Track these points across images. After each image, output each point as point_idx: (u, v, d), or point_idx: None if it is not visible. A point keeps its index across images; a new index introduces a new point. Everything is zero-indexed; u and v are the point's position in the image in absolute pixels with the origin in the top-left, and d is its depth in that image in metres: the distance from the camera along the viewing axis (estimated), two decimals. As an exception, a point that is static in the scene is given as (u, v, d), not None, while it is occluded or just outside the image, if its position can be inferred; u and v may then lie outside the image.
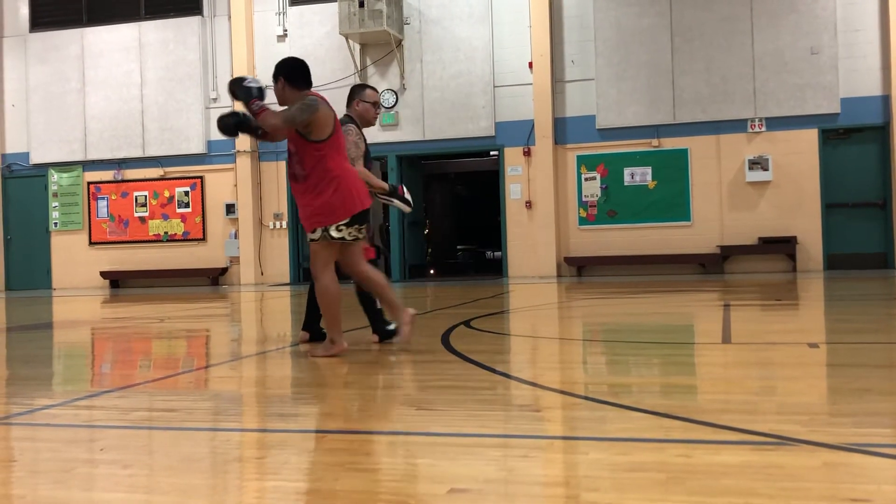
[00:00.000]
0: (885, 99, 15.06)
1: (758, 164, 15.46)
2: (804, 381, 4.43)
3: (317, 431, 3.56)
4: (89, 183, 18.96)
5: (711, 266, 15.67)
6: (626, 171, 16.22)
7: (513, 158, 16.87)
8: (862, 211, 15.23)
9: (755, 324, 7.61)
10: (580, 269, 16.41)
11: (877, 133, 15.25)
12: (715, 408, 3.78)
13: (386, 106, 17.34)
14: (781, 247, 15.32)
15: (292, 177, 5.83)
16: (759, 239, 15.42)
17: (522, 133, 16.72)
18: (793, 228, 15.37)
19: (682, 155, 15.92)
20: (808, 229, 15.33)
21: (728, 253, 15.59)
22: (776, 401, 4.00)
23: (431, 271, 19.69)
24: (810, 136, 15.33)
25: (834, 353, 5.47)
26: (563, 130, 16.66)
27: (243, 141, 17.91)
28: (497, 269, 17.92)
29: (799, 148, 15.36)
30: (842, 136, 15.39)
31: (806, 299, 10.20)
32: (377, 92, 6.44)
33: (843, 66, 15.23)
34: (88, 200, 18.96)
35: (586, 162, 16.53)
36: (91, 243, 18.95)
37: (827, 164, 15.33)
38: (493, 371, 4.93)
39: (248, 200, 17.90)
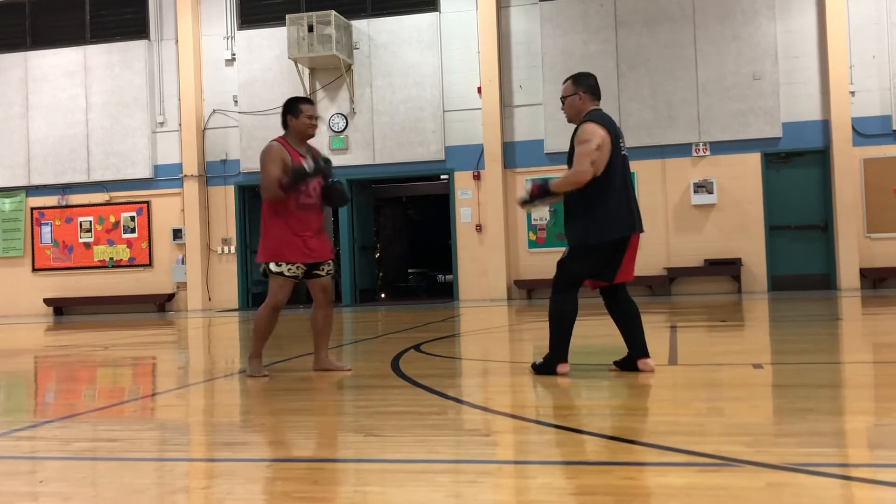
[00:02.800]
0: (825, 123, 15.44)
1: (703, 187, 15.73)
2: (749, 402, 4.49)
3: (264, 460, 3.51)
4: (33, 209, 18.61)
5: (658, 288, 15.86)
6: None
7: (463, 182, 16.94)
8: (804, 233, 15.55)
9: (701, 345, 7.71)
10: (530, 292, 16.50)
11: (817, 157, 15.61)
12: (661, 430, 3.81)
13: (336, 130, 17.32)
14: (726, 268, 15.57)
15: (319, 207, 6.08)
16: (705, 261, 15.66)
17: (472, 157, 16.81)
18: (737, 250, 15.64)
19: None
20: (753, 251, 15.60)
21: (674, 275, 15.80)
22: (721, 422, 4.06)
23: (382, 295, 19.63)
24: (753, 160, 15.64)
25: (778, 374, 5.56)
26: (512, 154, 16.79)
27: (190, 165, 17.74)
28: (448, 292, 17.93)
29: (742, 171, 15.66)
30: (783, 159, 15.73)
31: (751, 320, 10.36)
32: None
33: (784, 91, 15.60)
34: (32, 226, 18.60)
35: (535, 186, 16.60)
36: (34, 269, 18.56)
37: (770, 187, 15.64)
38: (443, 396, 4.93)
39: (195, 225, 17.71)
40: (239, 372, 6.59)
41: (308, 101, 6.33)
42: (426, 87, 17.06)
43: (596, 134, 5.27)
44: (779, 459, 3.13)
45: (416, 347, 7.64)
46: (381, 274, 21.24)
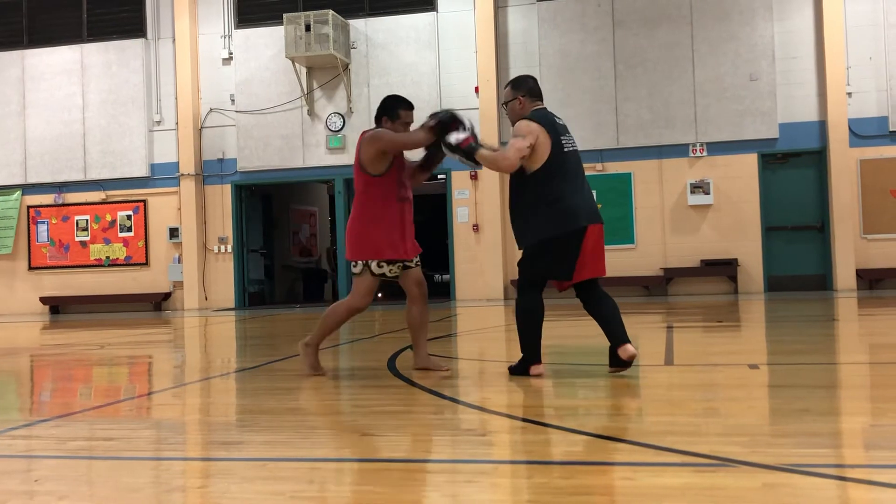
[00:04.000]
0: (822, 124, 15.46)
1: (699, 187, 15.74)
2: (745, 403, 4.49)
3: (260, 459, 3.51)
4: (29, 207, 18.59)
5: (655, 288, 15.87)
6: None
7: (460, 182, 16.95)
8: (800, 234, 15.58)
9: (697, 346, 7.71)
10: (527, 292, 16.48)
11: (814, 157, 15.63)
12: (658, 430, 3.81)
13: (333, 129, 17.32)
14: (723, 269, 15.58)
15: (409, 200, 5.85)
16: (702, 261, 15.67)
17: (469, 157, 16.78)
18: (734, 251, 15.65)
19: (625, 179, 16.14)
20: (749, 252, 15.62)
21: (671, 275, 15.82)
22: (718, 422, 4.06)
23: (379, 294, 19.61)
24: (750, 161, 15.66)
25: (774, 375, 5.56)
26: (509, 154, 16.77)
27: (186, 164, 17.73)
28: (445, 292, 17.93)
29: (739, 172, 15.68)
30: (780, 160, 15.75)
31: (747, 321, 10.37)
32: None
33: (780, 92, 15.62)
34: (28, 224, 18.57)
35: (532, 186, 16.63)
36: (30, 268, 18.54)
37: (766, 187, 15.66)
38: (440, 395, 4.93)
39: (192, 224, 17.69)
40: (241, 368, 6.58)
41: (408, 105, 5.88)
42: (424, 87, 17.06)
43: (531, 130, 5.30)
44: (775, 460, 3.13)
45: (413, 347, 7.62)
46: (377, 273, 21.22)
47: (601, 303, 5.48)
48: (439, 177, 18.04)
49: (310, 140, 17.49)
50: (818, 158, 15.60)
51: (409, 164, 5.91)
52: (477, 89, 16.71)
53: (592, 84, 16.40)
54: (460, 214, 16.92)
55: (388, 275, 5.75)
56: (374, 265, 5.68)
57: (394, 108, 5.79)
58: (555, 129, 5.39)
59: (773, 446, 3.43)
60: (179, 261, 17.80)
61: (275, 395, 5.28)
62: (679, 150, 15.99)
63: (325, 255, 21.12)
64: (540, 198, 5.32)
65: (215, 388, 5.90)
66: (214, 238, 17.85)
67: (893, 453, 3.30)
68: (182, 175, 17.76)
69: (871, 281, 15.03)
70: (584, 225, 5.32)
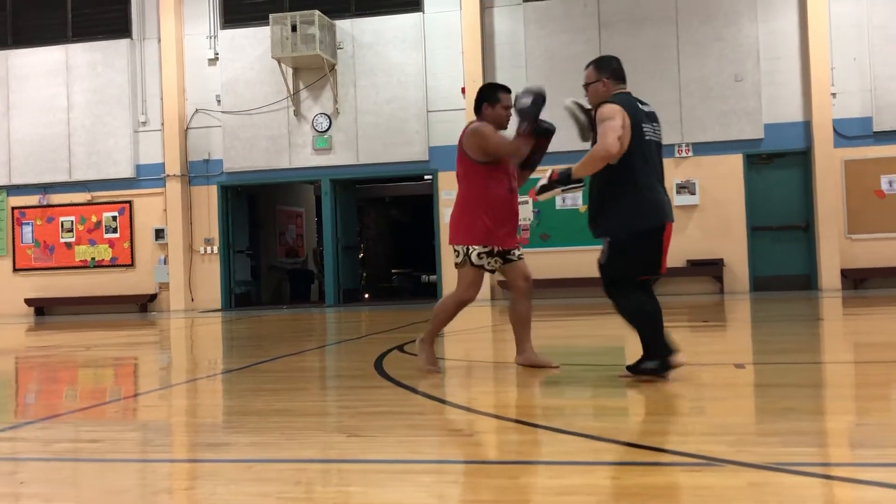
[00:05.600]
0: (806, 125, 15.53)
1: (685, 188, 15.79)
2: (731, 402, 4.51)
3: (247, 461, 3.50)
4: (13, 208, 18.47)
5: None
6: (558, 196, 16.38)
7: (447, 182, 16.93)
8: (786, 234, 15.64)
9: (684, 345, 7.70)
10: (514, 293, 16.49)
11: (798, 158, 15.70)
12: (644, 429, 3.83)
13: (319, 130, 17.29)
14: (709, 269, 15.63)
15: (516, 191, 5.79)
16: (688, 261, 15.71)
17: (455, 158, 16.77)
18: (719, 251, 15.71)
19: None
20: (735, 252, 15.68)
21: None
22: (704, 421, 4.07)
23: (366, 295, 19.61)
24: (735, 161, 15.72)
25: (760, 374, 5.59)
26: (495, 155, 16.78)
27: (172, 164, 17.66)
28: (432, 292, 17.93)
29: (724, 172, 15.74)
30: (765, 160, 15.82)
31: (733, 320, 10.42)
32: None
33: (765, 92, 15.69)
34: (13, 226, 18.46)
35: (519, 186, 16.65)
36: (15, 270, 18.42)
37: (751, 188, 15.72)
38: (426, 396, 4.93)
39: (177, 225, 17.62)
40: (228, 370, 6.57)
41: (506, 89, 5.87)
42: (410, 88, 17.06)
43: (615, 111, 4.97)
44: (760, 459, 3.15)
45: (400, 348, 7.63)
46: (364, 274, 21.21)
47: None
48: (426, 177, 18.05)
49: (296, 140, 17.46)
50: (803, 159, 15.67)
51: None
52: (464, 90, 16.70)
53: (578, 85, 16.37)
54: (447, 215, 16.86)
55: (487, 267, 5.68)
56: (473, 256, 5.62)
57: (493, 93, 5.83)
58: (636, 115, 5.06)
59: (759, 445, 3.45)
60: (165, 262, 17.73)
61: (261, 396, 5.27)
62: (665, 151, 15.95)
63: (312, 255, 21.10)
64: (624, 186, 5.01)
65: (202, 389, 5.89)
66: (200, 239, 17.79)
67: (878, 451, 3.32)
68: (168, 176, 17.69)
69: (856, 280, 15.11)
70: (671, 219, 5.13)
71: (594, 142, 5.08)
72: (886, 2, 15.35)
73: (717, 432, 3.67)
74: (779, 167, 15.74)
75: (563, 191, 5.17)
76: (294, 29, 16.45)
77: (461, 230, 5.68)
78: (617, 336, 8.93)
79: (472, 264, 5.62)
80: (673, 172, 15.96)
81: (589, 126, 5.29)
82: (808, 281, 15.53)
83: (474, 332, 9.73)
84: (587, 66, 5.45)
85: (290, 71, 17.38)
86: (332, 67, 17.23)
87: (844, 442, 3.63)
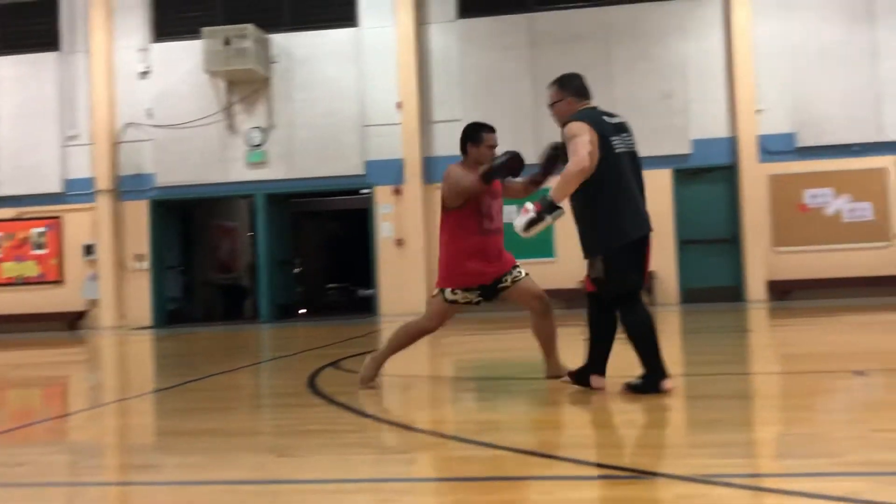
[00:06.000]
0: (733, 141, 15.91)
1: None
2: (661, 414, 4.59)
3: (178, 483, 3.45)
4: (-66, 224, 17.90)
5: (575, 301, 16.06)
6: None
7: (383, 197, 16.94)
8: (714, 247, 15.97)
9: (615, 357, 7.80)
10: (450, 307, 16.54)
11: (725, 173, 16.07)
12: (576, 443, 3.88)
13: (253, 144, 17.15)
14: (641, 282, 15.85)
15: (497, 231, 5.86)
16: (621, 274, 15.94)
17: (392, 172, 16.82)
18: (651, 264, 15.94)
19: (545, 194, 16.31)
20: (665, 265, 15.96)
21: (591, 288, 16.05)
22: (634, 434, 4.14)
23: (301, 311, 19.45)
24: (664, 176, 16.01)
25: (690, 385, 5.70)
26: (432, 169, 16.85)
27: (102, 179, 17.33)
28: (369, 307, 17.87)
29: (654, 187, 15.82)
30: (693, 175, 16.15)
31: (663, 332, 10.53)
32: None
33: (693, 109, 16.03)
34: (-67, 242, 17.88)
35: (454, 200, 16.74)
36: (-64, 288, 17.84)
37: (680, 202, 16.03)
38: (361, 413, 4.91)
39: (107, 241, 17.27)
40: (158, 389, 6.45)
41: (490, 129, 5.91)
42: (346, 102, 17.03)
43: (582, 128, 4.99)
44: (689, 471, 3.21)
45: (335, 364, 7.59)
46: (300, 289, 21.05)
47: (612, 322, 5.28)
48: (362, 191, 18.01)
49: (229, 155, 17.28)
50: (729, 174, 16.04)
51: (514, 185, 5.97)
52: (399, 105, 16.75)
53: (512, 101, 16.58)
54: (384, 229, 16.90)
55: (462, 301, 5.71)
56: (447, 292, 5.71)
57: (476, 133, 5.86)
58: (602, 128, 5.08)
59: (688, 457, 3.51)
60: (95, 279, 17.36)
61: (192, 416, 5.20)
62: (597, 166, 16.23)
63: (246, 271, 20.85)
64: (602, 202, 5.07)
65: (131, 409, 5.78)
66: (131, 255, 17.45)
67: (804, 461, 3.41)
68: (98, 191, 17.34)
69: (781, 292, 15.50)
70: (650, 230, 5.17)
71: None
72: (808, 21, 15.85)
73: (647, 444, 3.74)
74: (706, 182, 16.09)
75: (549, 220, 5.10)
76: (227, 42, 16.30)
77: (440, 274, 5.81)
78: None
79: (445, 299, 5.72)
80: (605, 187, 16.19)
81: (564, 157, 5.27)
82: (736, 292, 15.88)
83: (411, 348, 9.70)
84: (550, 86, 5.47)
85: (223, 85, 17.22)
86: (267, 81, 17.12)
87: (772, 452, 3.72)
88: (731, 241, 15.99)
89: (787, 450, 3.70)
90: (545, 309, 5.84)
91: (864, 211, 15.59)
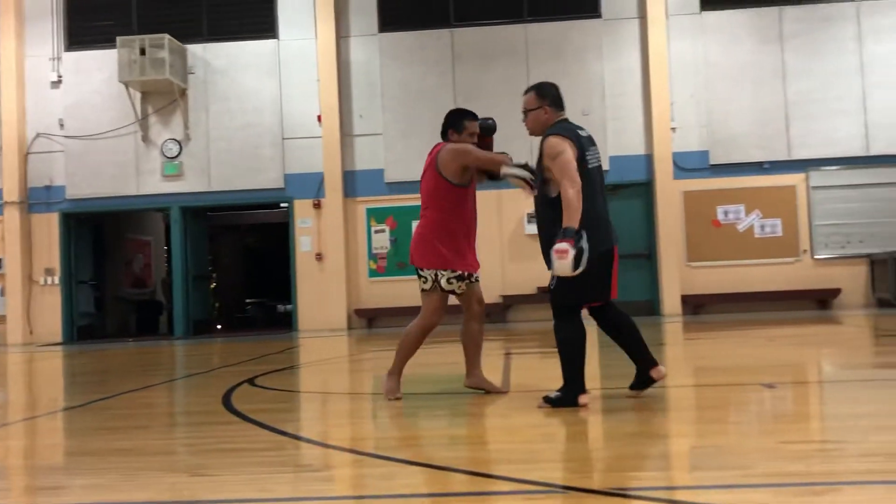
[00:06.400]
0: (648, 157, 16.27)
1: (535, 218, 16.20)
2: (578, 427, 4.63)
3: (83, 505, 3.33)
4: None
5: (495, 315, 16.18)
6: (414, 224, 16.52)
7: (302, 211, 16.79)
8: (630, 261, 16.27)
9: (534, 371, 7.90)
10: (371, 321, 16.47)
11: (641, 189, 16.41)
12: (493, 458, 3.88)
13: (169, 156, 16.82)
14: (560, 296, 16.04)
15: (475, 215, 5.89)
16: (538, 288, 16.10)
17: (312, 185, 16.70)
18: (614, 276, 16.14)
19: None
20: (584, 279, 16.17)
21: (510, 302, 16.19)
22: (551, 448, 4.16)
23: (218, 326, 19.11)
24: (584, 192, 16.24)
25: (605, 399, 5.76)
26: (352, 183, 16.79)
27: (10, 191, 16.77)
28: (288, 322, 17.66)
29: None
30: (610, 191, 16.42)
31: (582, 346, 10.69)
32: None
33: (610, 126, 16.35)
34: None
35: (376, 214, 16.72)
36: None
37: (599, 217, 16.27)
38: (277, 431, 4.83)
39: (16, 255, 16.72)
40: (67, 407, 6.23)
41: (471, 115, 5.89)
42: (265, 114, 16.86)
43: (564, 144, 5.04)
44: (605, 484, 3.24)
45: (251, 381, 7.46)
46: (217, 304, 20.69)
47: (623, 321, 5.40)
48: (281, 205, 17.83)
49: (144, 167, 16.92)
50: (645, 190, 16.38)
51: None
52: (320, 118, 16.65)
53: (433, 116, 16.61)
54: (303, 243, 16.75)
55: (458, 291, 5.68)
56: (443, 281, 5.63)
57: (459, 120, 5.84)
58: (580, 143, 5.13)
59: (605, 470, 3.54)
60: (2, 293, 16.77)
61: (102, 435, 5.04)
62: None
63: (160, 286, 20.40)
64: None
65: (39, 428, 5.57)
66: (41, 269, 16.93)
67: (716, 473, 3.46)
68: (5, 203, 16.78)
69: (695, 306, 15.86)
70: (615, 243, 5.20)
71: (539, 180, 5.17)
72: (720, 42, 16.33)
73: (564, 458, 3.76)
74: (623, 198, 16.39)
75: (584, 244, 4.96)
76: (143, 52, 16.00)
77: (430, 254, 5.67)
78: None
79: (441, 290, 5.65)
80: (524, 202, 16.36)
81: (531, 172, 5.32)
82: (651, 306, 16.19)
83: (331, 363, 9.63)
84: (526, 92, 5.47)
85: (137, 95, 16.87)
86: (183, 92, 16.83)
87: (685, 465, 3.77)
88: (646, 256, 16.31)
89: (700, 462, 3.76)
90: (482, 314, 5.87)
91: (775, 227, 16.08)
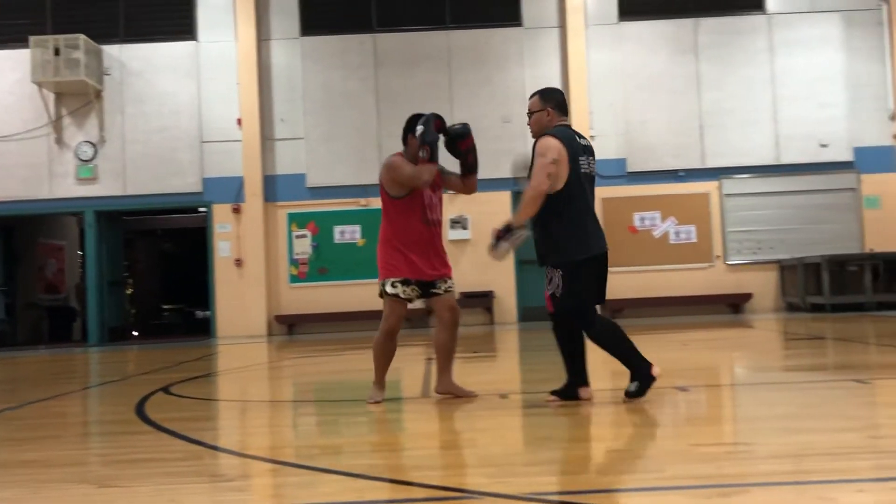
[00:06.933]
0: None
1: (458, 223, 16.31)
2: (494, 433, 4.66)
3: (-15, 521, 3.22)
4: None
5: (417, 321, 16.18)
6: (337, 229, 16.47)
7: (222, 216, 16.54)
8: (530, 269, 16.46)
9: (457, 376, 7.91)
10: (291, 327, 16.31)
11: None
12: (408, 464, 3.88)
13: (83, 159, 16.41)
14: (480, 301, 16.18)
15: (438, 223, 5.89)
16: (461, 294, 16.16)
17: (232, 190, 16.47)
18: (490, 283, 16.30)
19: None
20: (504, 284, 16.32)
21: (432, 307, 16.21)
22: (467, 454, 4.18)
23: (134, 333, 18.69)
24: (504, 198, 16.38)
25: (523, 403, 5.82)
26: (273, 188, 16.62)
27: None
28: (206, 329, 17.37)
29: (494, 209, 16.35)
30: (531, 198, 16.60)
31: (502, 350, 10.81)
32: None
33: (531, 134, 16.49)
34: None
35: (297, 219, 16.58)
36: None
37: (520, 223, 16.42)
38: (191, 440, 4.74)
39: (-81, 259, 16.09)
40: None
41: (424, 122, 5.81)
42: (183, 117, 16.58)
43: (552, 148, 5.14)
44: (519, 489, 3.26)
45: (166, 389, 7.31)
46: (133, 310, 20.25)
47: (578, 333, 5.47)
48: (200, 210, 17.55)
49: (57, 170, 16.46)
50: (566, 196, 16.59)
51: (451, 178, 5.98)
52: (240, 121, 16.44)
53: (356, 120, 16.61)
54: (222, 248, 16.50)
55: (402, 296, 5.69)
56: (387, 286, 5.67)
57: (409, 129, 5.86)
58: (574, 148, 5.22)
59: (518, 475, 3.57)
60: None
61: (9, 446, 4.88)
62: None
63: (74, 291, 19.86)
64: (568, 217, 5.19)
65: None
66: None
67: (628, 477, 3.53)
68: None
69: (613, 311, 16.12)
70: (605, 249, 5.29)
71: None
72: (638, 52, 16.67)
73: (480, 464, 3.78)
74: (544, 204, 16.56)
75: (513, 242, 5.25)
76: (57, 52, 15.59)
77: (379, 265, 5.79)
78: (392, 369, 9.00)
79: (386, 294, 5.71)
80: (448, 208, 16.36)
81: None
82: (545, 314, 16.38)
83: (250, 370, 9.50)
84: (532, 96, 5.56)
85: (51, 96, 16.43)
86: (99, 94, 16.45)
87: (599, 469, 3.82)
88: (542, 265, 16.51)
89: (614, 466, 3.82)
90: (453, 322, 5.93)
91: (689, 233, 16.48)
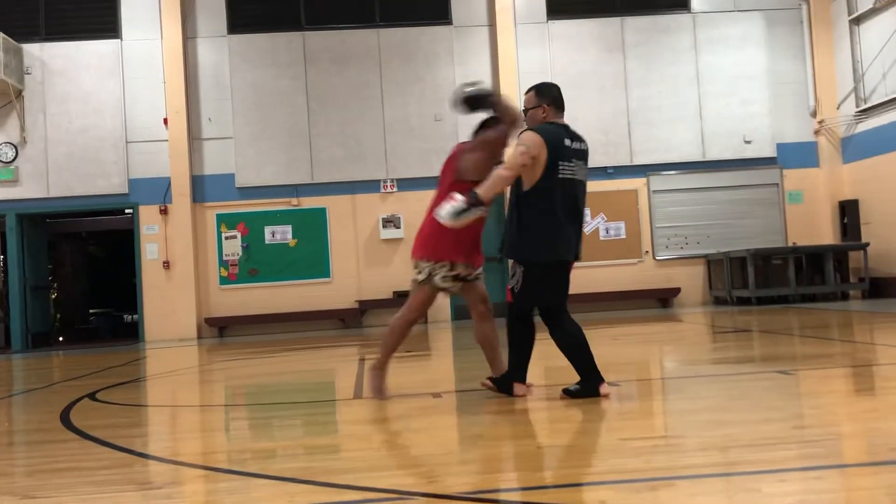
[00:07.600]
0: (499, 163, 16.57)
1: (391, 222, 16.27)
2: (426, 433, 4.65)
3: None
4: None
5: (351, 320, 16.12)
6: (268, 230, 16.29)
7: (148, 217, 16.23)
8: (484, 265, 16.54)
9: (389, 376, 7.89)
10: (222, 330, 16.09)
11: (494, 193, 16.70)
12: (340, 467, 3.85)
13: (4, 161, 15.94)
14: (415, 300, 16.13)
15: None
16: (394, 293, 16.14)
17: (159, 191, 16.17)
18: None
19: (320, 214, 16.31)
20: (439, 283, 16.32)
21: (366, 307, 16.15)
22: (399, 454, 4.17)
23: (59, 339, 18.22)
24: (437, 196, 16.40)
25: (456, 402, 5.83)
26: (201, 188, 16.36)
27: None
28: (134, 333, 17.02)
29: (426, 207, 16.35)
30: (462, 196, 16.65)
31: (435, 350, 10.82)
32: None
33: (462, 132, 16.52)
34: None
35: (226, 220, 16.35)
36: None
37: (453, 221, 16.46)
38: (117, 448, 4.63)
39: None
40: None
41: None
42: (107, 117, 16.21)
43: (534, 143, 5.04)
44: (450, 489, 3.27)
45: (92, 395, 7.14)
46: (58, 315, 19.74)
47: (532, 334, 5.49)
48: (126, 211, 17.19)
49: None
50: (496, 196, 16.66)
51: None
52: (166, 121, 16.15)
53: (286, 119, 16.45)
54: (149, 251, 16.19)
55: (451, 290, 5.61)
56: (437, 278, 5.53)
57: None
58: (555, 150, 5.10)
59: (452, 475, 3.57)
60: None
61: (-76, 460, 4.70)
62: (371, 186, 16.43)
63: (-2, 296, 19.27)
64: (542, 217, 5.12)
65: None
66: None
67: (559, 472, 3.56)
68: None
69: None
70: (571, 258, 5.22)
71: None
72: (566, 50, 16.83)
73: (412, 464, 3.78)
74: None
75: (470, 215, 5.11)
76: (-27, 50, 15.08)
77: (430, 244, 5.59)
78: (322, 370, 8.95)
79: (434, 286, 5.59)
80: (379, 207, 16.39)
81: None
82: (504, 308, 16.48)
83: (179, 374, 9.34)
84: (528, 91, 5.46)
85: (-32, 96, 15.90)
86: (19, 94, 15.99)
87: (530, 465, 3.84)
88: (499, 260, 16.61)
89: (545, 462, 3.84)
90: (488, 313, 5.88)
91: (619, 230, 16.70)
